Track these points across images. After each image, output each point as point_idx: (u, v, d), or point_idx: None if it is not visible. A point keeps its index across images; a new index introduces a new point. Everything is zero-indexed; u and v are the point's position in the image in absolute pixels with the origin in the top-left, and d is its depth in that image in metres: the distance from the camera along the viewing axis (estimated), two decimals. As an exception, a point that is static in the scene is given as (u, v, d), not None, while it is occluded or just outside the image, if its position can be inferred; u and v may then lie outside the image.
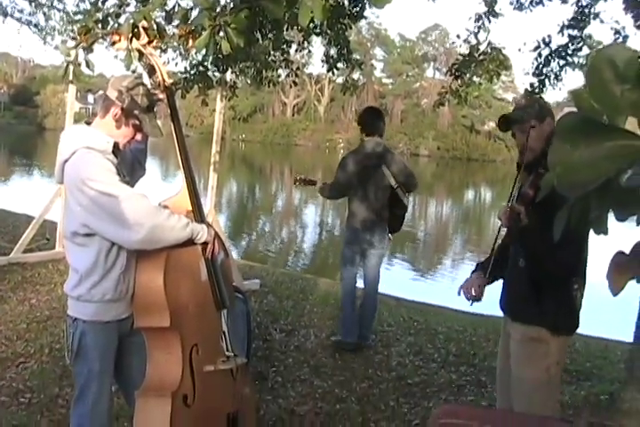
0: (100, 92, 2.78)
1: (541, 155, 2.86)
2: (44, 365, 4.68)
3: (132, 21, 2.43)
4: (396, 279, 12.30)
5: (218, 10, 2.24)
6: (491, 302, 3.90)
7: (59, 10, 15.54)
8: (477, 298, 3.07)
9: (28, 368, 4.60)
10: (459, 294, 3.18)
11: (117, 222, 2.53)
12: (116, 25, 2.64)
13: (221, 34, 2.18)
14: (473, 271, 3.23)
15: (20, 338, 5.17)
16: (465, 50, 7.19)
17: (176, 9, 2.48)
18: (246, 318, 3.65)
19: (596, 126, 0.85)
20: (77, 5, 15.95)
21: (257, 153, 60.52)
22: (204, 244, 2.81)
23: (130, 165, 3.00)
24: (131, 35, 2.46)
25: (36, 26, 15.93)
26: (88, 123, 2.80)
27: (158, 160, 33.81)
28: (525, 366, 2.98)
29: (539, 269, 2.88)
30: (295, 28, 5.20)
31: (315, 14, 1.49)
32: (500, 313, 6.82)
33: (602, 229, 0.93)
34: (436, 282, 12.61)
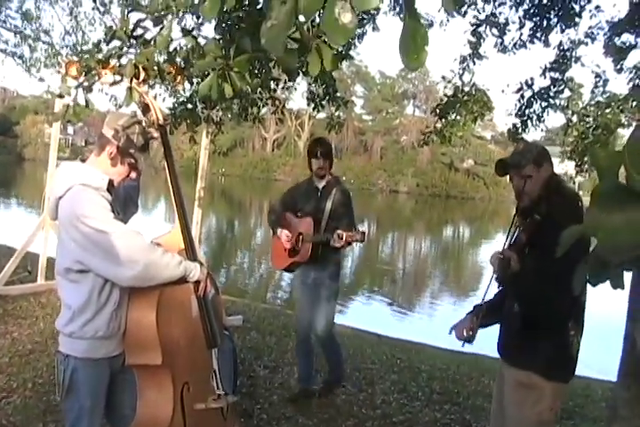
0: (80, 124, 2.80)
1: (538, 200, 2.89)
2: (28, 400, 4.61)
3: (133, 62, 2.48)
4: (377, 316, 12.30)
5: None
6: (477, 339, 3.93)
7: (44, 42, 15.64)
8: (469, 340, 3.06)
9: (10, 403, 4.53)
10: (450, 332, 3.18)
11: (111, 259, 2.55)
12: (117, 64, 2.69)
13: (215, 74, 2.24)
14: (469, 313, 3.22)
15: (1, 372, 5.10)
16: (449, 90, 7.33)
17: (177, 51, 2.53)
18: (232, 354, 3.64)
19: (631, 193, 0.90)
20: (63, 38, 16.12)
21: (236, 187, 60.55)
22: (197, 282, 2.84)
23: (123, 202, 3.03)
24: (132, 75, 2.50)
25: (20, 57, 16.01)
26: (83, 160, 2.83)
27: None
28: (518, 410, 2.96)
29: (533, 315, 2.87)
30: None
31: (325, 63, 1.54)
32: (481, 351, 6.85)
33: (619, 284, 0.98)
34: (416, 319, 12.61)
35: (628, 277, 1.40)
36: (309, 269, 5.10)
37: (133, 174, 2.91)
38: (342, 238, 4.54)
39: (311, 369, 5.35)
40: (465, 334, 3.08)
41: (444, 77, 7.38)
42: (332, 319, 5.18)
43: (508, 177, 3.09)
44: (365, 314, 12.43)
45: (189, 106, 5.95)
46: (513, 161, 3.00)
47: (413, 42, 0.97)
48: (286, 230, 5.08)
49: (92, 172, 2.72)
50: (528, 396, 2.92)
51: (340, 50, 6.52)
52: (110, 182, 2.76)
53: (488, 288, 3.06)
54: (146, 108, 2.94)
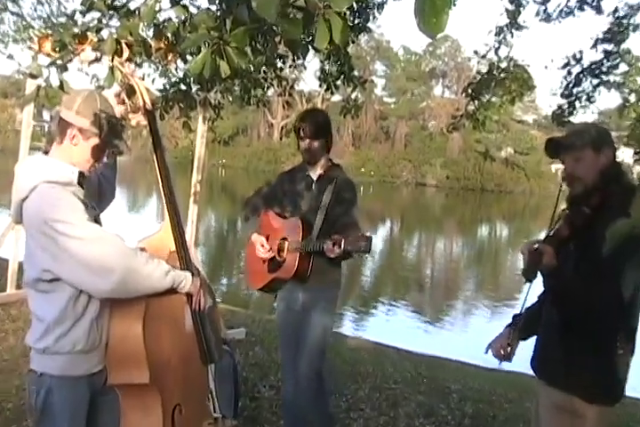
0: (58, 107, 2.76)
1: (592, 190, 2.82)
2: (-5, 427, 4.62)
3: (115, 37, 2.48)
4: (400, 328, 12.30)
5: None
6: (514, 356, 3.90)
7: (12, 13, 15.49)
8: (508, 358, 3.01)
9: (-25, 432, 4.55)
10: (486, 352, 3.14)
11: (86, 269, 2.53)
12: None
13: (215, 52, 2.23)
14: (507, 326, 3.18)
15: (-36, 396, 5.12)
16: (483, 67, 7.28)
17: (166, 24, 2.53)
18: (233, 372, 3.64)
19: None
20: (35, 9, 15.98)
21: (239, 181, 60.60)
22: (189, 294, 2.84)
23: (97, 190, 3.02)
24: (113, 52, 2.50)
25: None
26: (46, 152, 2.78)
27: (125, 187, 33.80)
28: None
29: (574, 326, 2.80)
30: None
31: (334, 35, 1.53)
32: (522, 369, 6.82)
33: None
34: (445, 331, 12.59)
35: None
36: (296, 290, 4.32)
37: (105, 158, 2.88)
38: (340, 246, 3.75)
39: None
40: (502, 351, 3.01)
41: (476, 52, 7.34)
42: (319, 362, 4.34)
43: (553, 169, 3.05)
44: (387, 326, 12.43)
45: (183, 87, 5.94)
46: (567, 141, 2.92)
47: (432, 3, 0.94)
48: (262, 237, 4.39)
49: (58, 165, 2.68)
50: (567, 421, 2.86)
51: (355, 21, 6.52)
52: (81, 174, 2.72)
53: (527, 295, 2.98)
54: (131, 91, 2.92)
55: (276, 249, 4.31)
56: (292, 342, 4.37)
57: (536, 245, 2.79)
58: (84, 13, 2.57)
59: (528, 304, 3.05)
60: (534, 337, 3.15)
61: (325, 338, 4.33)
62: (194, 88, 6.01)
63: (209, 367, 2.98)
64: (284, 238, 4.28)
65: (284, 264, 4.25)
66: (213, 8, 3.25)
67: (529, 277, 2.79)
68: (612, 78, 7.08)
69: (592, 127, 2.99)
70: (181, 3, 2.45)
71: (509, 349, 3.00)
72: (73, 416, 2.74)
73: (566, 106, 7.13)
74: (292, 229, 4.23)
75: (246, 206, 4.69)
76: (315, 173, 4.40)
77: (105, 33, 2.57)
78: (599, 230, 2.68)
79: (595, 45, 6.99)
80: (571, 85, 7.06)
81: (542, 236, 2.91)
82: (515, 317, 3.19)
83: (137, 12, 2.43)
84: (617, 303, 2.66)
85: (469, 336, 12.10)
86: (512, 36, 7.13)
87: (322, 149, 4.35)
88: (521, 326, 2.98)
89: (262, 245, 4.34)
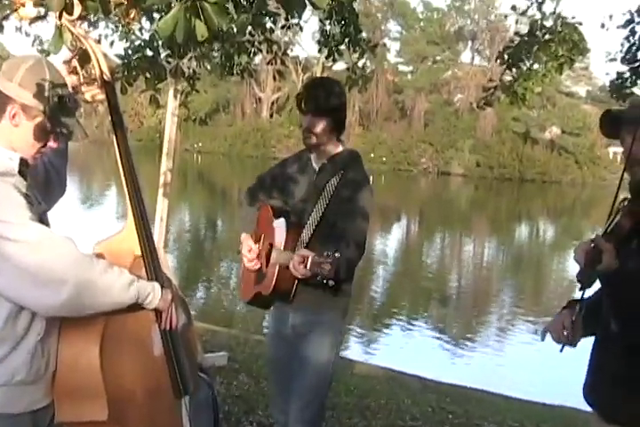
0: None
1: None
2: None
3: (64, -11, 2.46)
4: (420, 352, 12.34)
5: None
6: (561, 386, 3.89)
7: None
8: (571, 340, 2.89)
9: None
10: (542, 338, 3.07)
11: (28, 279, 2.50)
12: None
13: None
14: (562, 308, 3.06)
15: None
16: (523, 27, 7.26)
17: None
18: (212, 406, 3.65)
19: None
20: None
21: (219, 169, 60.78)
22: (158, 310, 2.83)
23: (43, 181, 3.00)
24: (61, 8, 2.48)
25: None
26: None
27: (77, 176, 33.86)
28: None
29: (638, 338, 2.72)
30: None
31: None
32: (573, 402, 6.83)
33: None
34: (476, 356, 12.61)
35: None
36: (286, 310, 4.18)
37: (53, 144, 2.85)
38: (305, 265, 3.60)
39: None
40: (565, 332, 2.90)
41: (515, 8, 7.32)
42: (314, 409, 4.14)
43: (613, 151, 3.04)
44: (404, 349, 12.47)
45: (149, 53, 5.95)
46: (629, 115, 2.90)
47: None
48: (252, 237, 4.25)
49: None
50: None
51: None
52: (23, 162, 2.71)
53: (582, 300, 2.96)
54: (84, 57, 2.91)
55: (264, 255, 4.14)
56: (282, 372, 4.26)
57: (593, 244, 2.75)
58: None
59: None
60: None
61: (324, 376, 4.14)
62: (162, 54, 6.01)
63: (183, 401, 2.97)
64: (270, 244, 4.10)
65: (265, 276, 4.09)
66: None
67: (585, 281, 2.75)
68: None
69: None
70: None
71: (573, 331, 2.88)
72: (9, 462, 2.73)
73: (628, 74, 7.10)
74: (279, 232, 4.07)
75: (246, 193, 4.52)
76: (318, 162, 4.20)
77: (51, -15, 2.54)
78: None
79: (665, -3, 6.98)
80: (634, 48, 7.03)
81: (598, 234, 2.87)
82: (571, 301, 3.09)
83: (91, -42, 2.41)
84: None
85: (505, 361, 12.15)
86: (560, -12, 7.13)
87: (327, 130, 4.08)
88: (583, 314, 2.86)
89: (250, 250, 4.18)
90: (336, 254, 3.55)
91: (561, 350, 2.90)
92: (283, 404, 4.22)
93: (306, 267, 3.58)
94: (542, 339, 3.07)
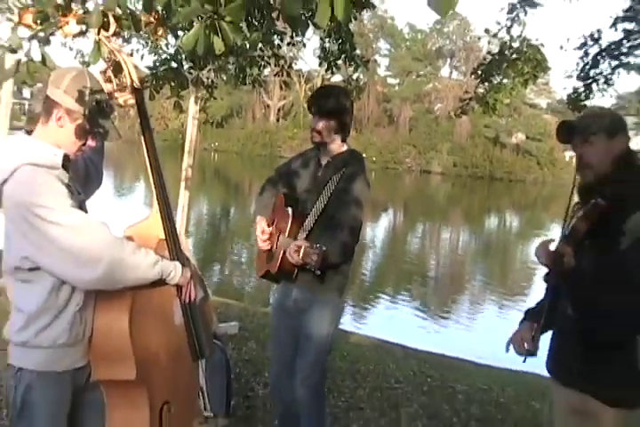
0: (40, 85, 2.75)
1: (605, 179, 2.83)
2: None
3: (101, 9, 2.46)
4: (403, 324, 12.34)
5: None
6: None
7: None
8: (532, 352, 2.93)
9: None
10: (507, 350, 3.06)
11: (68, 258, 2.52)
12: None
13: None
14: (522, 320, 3.13)
15: None
16: (494, 47, 7.28)
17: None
18: (224, 369, 3.66)
19: None
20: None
21: (232, 166, 60.69)
22: (179, 285, 2.83)
23: (83, 174, 3.01)
24: (99, 26, 2.48)
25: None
26: (29, 132, 2.76)
27: (112, 171, 33.85)
28: None
29: (594, 323, 2.77)
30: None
31: (336, 11, 1.52)
32: (532, 369, 6.83)
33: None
34: (451, 328, 12.63)
35: None
36: (290, 287, 4.16)
37: (92, 142, 2.86)
38: (298, 253, 3.66)
39: None
40: (526, 345, 2.94)
41: (487, 31, 7.33)
42: (317, 376, 4.18)
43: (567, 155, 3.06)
44: (390, 322, 12.46)
45: (174, 65, 5.95)
46: (580, 125, 2.94)
47: None
48: (266, 220, 4.19)
49: (42, 147, 2.66)
50: (583, 425, 2.86)
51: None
52: (66, 157, 2.71)
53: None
54: (117, 68, 2.90)
55: (276, 238, 4.14)
56: (282, 340, 4.25)
57: (552, 246, 2.79)
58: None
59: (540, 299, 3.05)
60: (549, 337, 3.10)
61: (324, 347, 4.12)
62: (185, 66, 6.02)
63: (199, 363, 2.98)
64: (279, 230, 4.11)
65: (273, 257, 4.11)
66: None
67: (552, 282, 2.81)
68: (631, 60, 7.07)
69: (606, 112, 3.01)
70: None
71: (533, 342, 2.92)
72: (54, 414, 2.74)
73: (582, 89, 7.13)
74: (285, 219, 4.06)
75: (265, 182, 4.46)
76: (324, 159, 4.16)
77: (91, 4, 2.54)
78: (616, 222, 2.68)
79: (614, 24, 6.99)
80: (587, 67, 7.07)
81: (555, 228, 2.89)
82: (528, 311, 3.17)
83: (126, -17, 2.41)
84: (637, 299, 2.64)
85: (476, 333, 12.15)
86: (525, 14, 7.16)
87: (331, 130, 4.05)
88: (543, 319, 2.89)
89: (263, 232, 4.14)
90: (323, 248, 3.60)
91: (524, 361, 2.97)
92: (280, 367, 4.25)
93: (299, 255, 3.64)
94: (507, 351, 3.06)
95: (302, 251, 3.63)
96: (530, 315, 3.11)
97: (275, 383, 4.34)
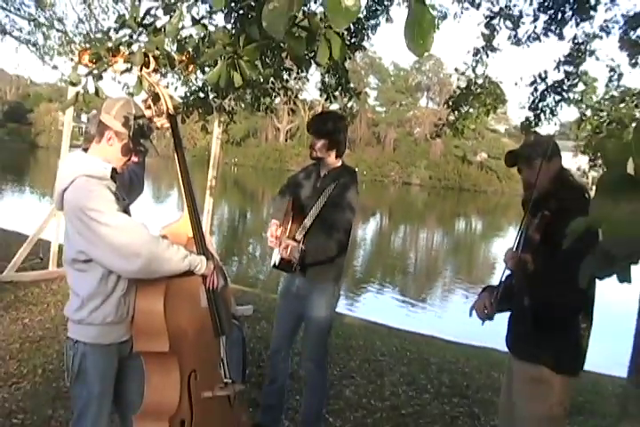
0: (94, 111, 2.80)
1: (546, 194, 2.87)
2: (38, 386, 4.64)
3: (143, 50, 2.48)
4: (387, 308, 12.32)
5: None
6: (484, 333, 3.89)
7: (58, 30, 15.68)
8: (490, 316, 2.94)
9: (20, 389, 4.56)
10: (470, 314, 3.05)
11: (114, 252, 2.56)
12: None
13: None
14: (481, 292, 3.11)
15: (12, 358, 5.14)
16: (463, 83, 7.31)
17: (188, 40, 2.53)
18: (241, 344, 3.65)
19: (637, 184, 0.88)
20: (77, 26, 16.20)
21: (249, 177, 60.62)
22: (204, 275, 2.85)
23: (128, 184, 3.06)
24: (142, 64, 2.50)
25: (34, 45, 16.05)
26: (85, 149, 2.82)
27: (150, 181, 33.83)
28: (528, 405, 2.93)
29: (544, 310, 2.82)
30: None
31: (334, 52, 1.54)
32: (491, 345, 6.84)
33: (626, 278, 0.97)
34: (427, 311, 12.62)
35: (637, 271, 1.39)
36: (294, 275, 4.11)
37: (135, 158, 2.91)
38: (287, 250, 3.81)
39: (279, 415, 4.33)
40: (486, 311, 2.95)
41: (457, 70, 7.35)
42: (322, 349, 4.19)
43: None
44: (376, 306, 12.45)
45: (201, 95, 5.96)
46: (522, 153, 3.01)
47: (419, 26, 0.96)
48: (278, 222, 4.09)
49: (94, 161, 2.71)
50: (537, 390, 2.89)
51: (352, 40, 6.52)
52: (114, 170, 2.76)
53: (503, 273, 2.96)
54: (156, 98, 2.94)
55: (283, 237, 4.04)
56: (284, 321, 4.24)
57: (512, 254, 2.85)
58: (117, 30, 2.58)
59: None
60: (504, 315, 3.14)
61: (325, 327, 4.10)
62: (211, 96, 6.02)
63: (220, 339, 2.98)
64: (286, 228, 4.06)
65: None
66: (229, 26, 3.27)
67: (522, 284, 2.85)
68: (571, 95, 7.13)
69: (543, 140, 3.05)
70: (201, 22, 2.44)
71: (491, 307, 2.93)
72: (103, 378, 2.79)
73: (532, 118, 7.17)
74: (289, 221, 4.04)
75: (279, 190, 4.44)
76: (323, 171, 4.14)
77: (135, 47, 2.56)
78: (560, 229, 2.69)
79: (557, 67, 7.05)
80: (536, 100, 7.10)
81: (510, 230, 2.95)
82: (485, 287, 3.14)
83: (163, 30, 2.43)
84: (579, 289, 2.66)
85: (447, 315, 12.14)
86: (487, 57, 7.19)
87: (324, 149, 4.02)
88: (498, 299, 2.91)
89: (271, 234, 4.05)
90: (303, 248, 3.83)
91: (482, 324, 2.98)
92: (279, 343, 4.25)
93: (287, 252, 3.84)
94: (470, 315, 3.06)
95: (290, 249, 3.83)
96: (489, 287, 3.10)
97: (273, 356, 4.30)
